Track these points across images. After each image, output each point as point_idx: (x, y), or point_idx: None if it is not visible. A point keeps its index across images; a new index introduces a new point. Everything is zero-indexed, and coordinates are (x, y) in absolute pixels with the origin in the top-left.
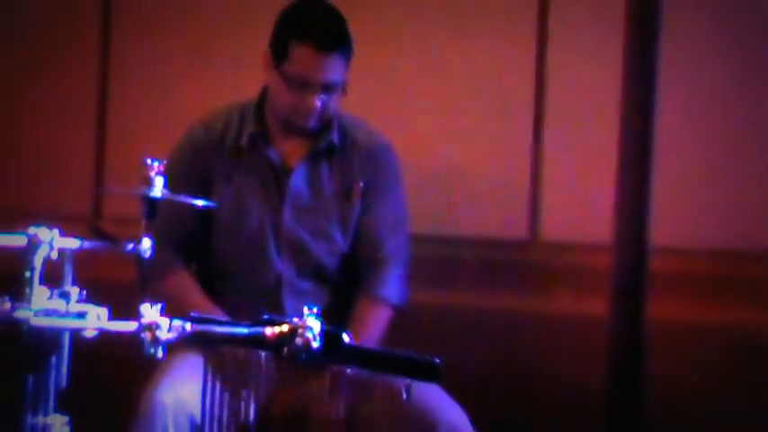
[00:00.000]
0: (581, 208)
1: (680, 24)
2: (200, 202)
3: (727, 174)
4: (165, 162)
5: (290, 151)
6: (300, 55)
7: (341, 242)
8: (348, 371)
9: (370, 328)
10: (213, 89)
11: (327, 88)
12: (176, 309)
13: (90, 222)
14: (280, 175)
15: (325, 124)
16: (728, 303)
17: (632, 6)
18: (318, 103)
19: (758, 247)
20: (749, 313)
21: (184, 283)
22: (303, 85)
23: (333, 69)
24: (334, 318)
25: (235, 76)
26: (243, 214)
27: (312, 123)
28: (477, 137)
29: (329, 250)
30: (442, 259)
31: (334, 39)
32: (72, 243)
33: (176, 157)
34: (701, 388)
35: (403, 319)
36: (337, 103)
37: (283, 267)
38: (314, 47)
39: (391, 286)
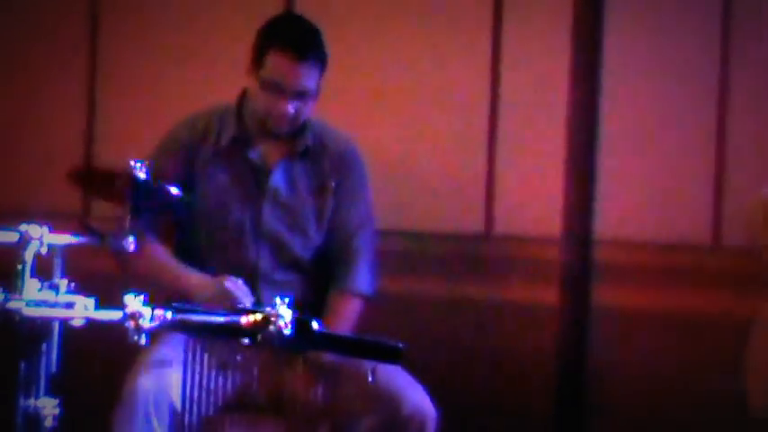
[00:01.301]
0: (533, 203)
1: (623, 27)
2: (180, 193)
3: (667, 171)
4: (149, 161)
5: (269, 152)
6: (276, 62)
7: (315, 236)
8: (319, 355)
9: (344, 318)
10: (200, 91)
11: (301, 94)
12: (145, 273)
13: (79, 219)
14: (259, 174)
15: (301, 128)
16: (668, 291)
17: (578, 12)
18: (291, 109)
19: (694, 238)
20: (687, 300)
21: (157, 251)
22: (278, 91)
23: (306, 77)
24: (308, 307)
25: (221, 78)
26: (224, 210)
27: (285, 127)
28: (436, 136)
29: (304, 244)
30: (405, 252)
31: (308, 48)
32: (61, 239)
33: (160, 150)
34: (644, 369)
35: (370, 307)
36: (310, 109)
37: (261, 260)
38: (288, 55)
39: (361, 278)
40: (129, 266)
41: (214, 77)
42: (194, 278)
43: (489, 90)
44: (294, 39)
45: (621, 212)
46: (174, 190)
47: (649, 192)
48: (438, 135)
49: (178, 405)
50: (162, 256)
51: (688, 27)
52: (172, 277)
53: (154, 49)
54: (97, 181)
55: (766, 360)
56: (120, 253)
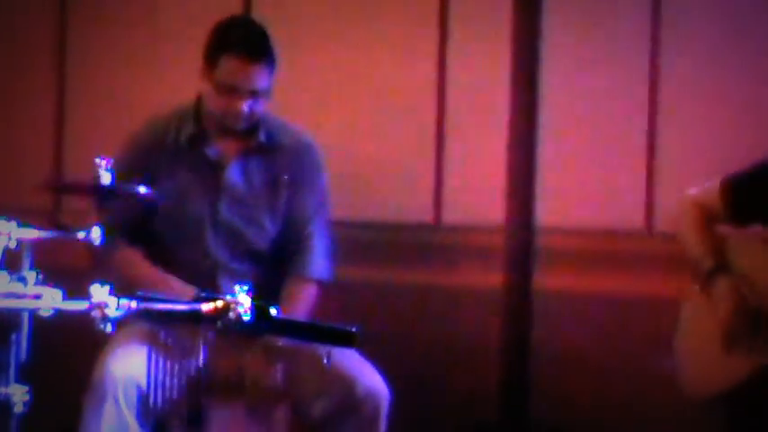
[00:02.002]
0: (478, 193)
1: (560, 29)
2: (143, 189)
3: (603, 163)
4: (113, 160)
5: (225, 149)
6: (229, 65)
7: (270, 228)
8: (276, 340)
9: (300, 304)
10: (167, 89)
11: (254, 94)
12: (126, 280)
13: (49, 215)
14: (217, 169)
15: (255, 125)
16: (605, 275)
17: (517, 16)
18: (246, 108)
19: (628, 225)
20: (622, 283)
21: (130, 257)
22: (232, 92)
23: (259, 78)
24: (266, 294)
25: (188, 76)
26: (184, 205)
27: (241, 125)
28: (386, 132)
29: (260, 235)
30: (360, 241)
31: (260, 50)
32: (29, 233)
33: (122, 156)
34: (583, 348)
35: (326, 295)
36: (264, 107)
37: (219, 251)
38: (241, 57)
39: (316, 265)
40: (102, 263)
41: (180, 76)
42: (176, 286)
43: (436, 89)
44: (245, 42)
45: (561, 202)
46: (137, 189)
47: (587, 182)
48: (389, 131)
49: (145, 389)
50: (135, 262)
51: (620, 27)
52: (150, 284)
53: (122, 49)
54: (66, 190)
55: (694, 341)
56: (91, 248)
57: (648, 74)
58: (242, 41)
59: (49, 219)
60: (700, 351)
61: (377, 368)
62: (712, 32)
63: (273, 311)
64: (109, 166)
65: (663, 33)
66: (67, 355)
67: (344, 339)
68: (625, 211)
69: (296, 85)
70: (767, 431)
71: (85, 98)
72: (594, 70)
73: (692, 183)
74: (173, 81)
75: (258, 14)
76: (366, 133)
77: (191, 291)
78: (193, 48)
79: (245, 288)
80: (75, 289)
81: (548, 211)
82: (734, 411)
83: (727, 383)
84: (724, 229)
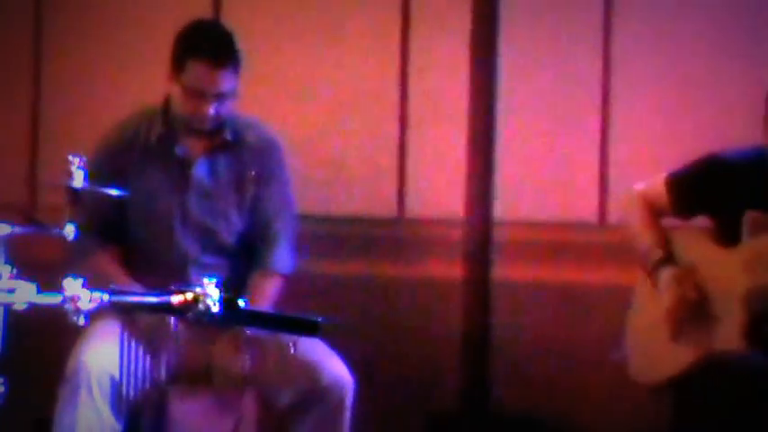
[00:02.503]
0: (440, 189)
1: (516, 34)
2: (114, 192)
3: (558, 159)
4: (86, 159)
5: (193, 147)
6: (196, 70)
7: (238, 222)
8: (245, 330)
9: (265, 295)
10: (140, 88)
11: (220, 96)
12: (98, 282)
13: (23, 211)
14: (185, 167)
15: (221, 124)
16: (560, 266)
17: (476, 21)
18: (212, 110)
19: (582, 217)
20: (576, 273)
21: (104, 261)
22: (199, 95)
23: (224, 81)
24: (234, 286)
25: (158, 78)
26: (154, 202)
27: (208, 126)
28: (352, 131)
29: (228, 230)
30: (326, 235)
31: (225, 55)
32: (3, 229)
33: (95, 157)
34: (540, 335)
35: (295, 287)
36: (230, 107)
37: (189, 245)
38: (207, 62)
39: (281, 259)
40: (75, 259)
41: (154, 74)
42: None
43: (399, 90)
44: (211, 47)
45: (517, 196)
46: (109, 191)
47: (542, 178)
48: (354, 129)
49: (118, 379)
50: (108, 266)
51: (572, 32)
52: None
53: (97, 48)
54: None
55: (643, 329)
56: (65, 244)
57: (601, 80)
58: (208, 47)
59: (24, 214)
60: (648, 339)
61: (342, 357)
62: (662, 22)
63: (241, 303)
64: (81, 165)
65: (613, 43)
66: (42, 347)
67: (309, 329)
68: (579, 204)
69: (263, 83)
70: (711, 416)
71: (61, 96)
72: (549, 68)
73: (644, 176)
74: (148, 79)
75: (226, 14)
76: (332, 130)
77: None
78: (164, 47)
79: (214, 281)
80: (49, 283)
81: (505, 205)
82: (680, 397)
83: (673, 371)
84: (670, 222)
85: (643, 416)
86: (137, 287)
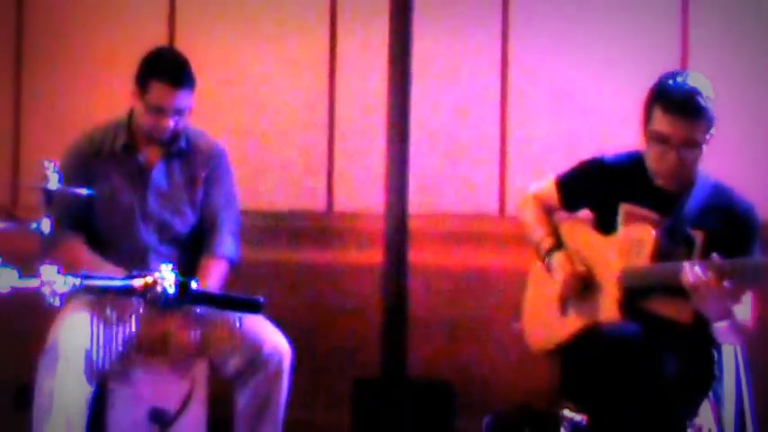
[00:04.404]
0: (363, 186)
1: (426, 36)
2: (83, 191)
3: (462, 158)
4: (58, 163)
5: (151, 154)
6: (157, 91)
7: (191, 217)
8: (197, 309)
9: (212, 277)
10: (107, 104)
11: (178, 112)
12: (71, 267)
13: (5, 209)
14: (144, 171)
15: (176, 134)
16: (466, 253)
17: (393, 25)
18: (171, 124)
19: (485, 209)
20: (480, 259)
21: (75, 246)
22: (160, 112)
23: (182, 99)
24: (187, 271)
25: (126, 94)
26: (118, 200)
27: (166, 138)
28: (287, 135)
29: (182, 223)
30: (265, 227)
31: (182, 77)
32: None
33: (66, 162)
34: (450, 314)
35: (240, 272)
36: (186, 120)
37: (148, 237)
38: (167, 84)
39: (226, 246)
40: (50, 250)
41: (117, 95)
42: (108, 268)
43: (328, 101)
44: (170, 71)
45: (429, 191)
46: (79, 191)
47: (450, 174)
48: (288, 134)
49: (90, 351)
50: (79, 251)
51: (474, 43)
52: (88, 267)
53: (76, 56)
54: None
55: (536, 304)
56: (41, 236)
57: (500, 84)
58: (167, 70)
59: (6, 212)
60: (540, 313)
61: (281, 331)
62: (560, 22)
63: (194, 285)
64: (55, 169)
65: (511, 46)
66: (23, 324)
67: (252, 307)
68: (481, 198)
69: (211, 94)
70: (593, 377)
71: (39, 112)
72: (453, 77)
73: (535, 173)
74: (114, 97)
75: (181, 36)
76: (268, 136)
77: (120, 272)
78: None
79: (170, 266)
80: (28, 269)
81: (418, 200)
82: (567, 361)
83: (561, 339)
84: (559, 215)
85: (538, 377)
86: (107, 266)
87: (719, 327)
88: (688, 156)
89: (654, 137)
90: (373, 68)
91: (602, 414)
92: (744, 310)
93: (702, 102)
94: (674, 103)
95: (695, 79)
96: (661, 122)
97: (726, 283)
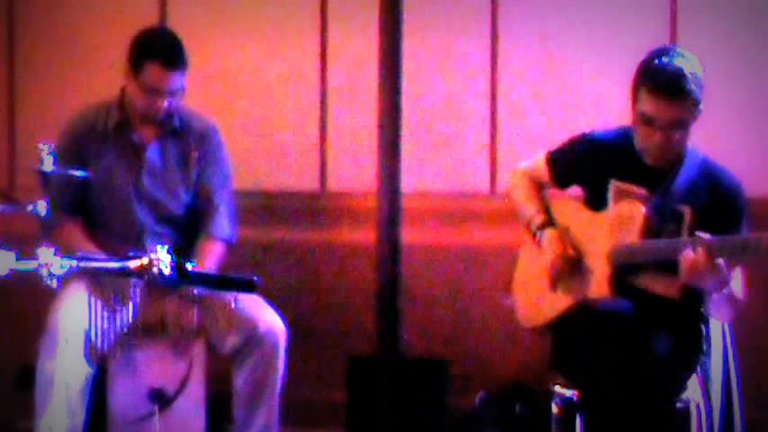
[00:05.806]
0: (355, 166)
1: (416, 30)
2: (78, 173)
3: (454, 139)
4: (53, 143)
5: (145, 134)
6: (151, 72)
7: (185, 197)
8: (192, 289)
9: (209, 258)
10: (100, 86)
11: (172, 93)
12: (67, 250)
13: (2, 192)
14: (139, 151)
15: (169, 114)
16: (458, 230)
17: (383, 19)
18: (165, 104)
19: (476, 188)
20: (471, 236)
21: (72, 231)
22: (154, 92)
23: (175, 80)
24: (183, 252)
25: (117, 75)
26: (113, 180)
27: (160, 117)
28: (280, 118)
29: (177, 203)
30: (260, 207)
31: (176, 58)
32: None
33: (61, 141)
34: (442, 290)
35: (235, 252)
36: (179, 100)
37: (143, 217)
38: (161, 65)
39: (222, 227)
40: (46, 232)
41: (109, 76)
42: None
43: (319, 84)
44: (165, 52)
45: (421, 170)
46: (74, 172)
47: (440, 154)
48: (282, 117)
49: (89, 332)
50: (75, 236)
51: (464, 35)
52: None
53: (68, 45)
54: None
55: (527, 281)
56: (38, 218)
57: (489, 67)
58: (162, 51)
59: (3, 195)
60: (531, 290)
61: (276, 310)
62: (543, 25)
63: (190, 266)
64: (50, 151)
65: (501, 40)
66: (23, 306)
67: (248, 287)
68: (472, 177)
69: (206, 78)
70: (581, 352)
71: (34, 95)
72: (445, 64)
73: (524, 153)
74: (106, 78)
75: (173, 20)
76: (262, 118)
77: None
78: (121, 50)
79: (166, 247)
80: (26, 252)
81: (410, 180)
82: (558, 337)
83: (552, 315)
84: (550, 192)
85: (529, 353)
86: (100, 253)
87: (715, 297)
88: (675, 136)
89: (640, 118)
90: (365, 48)
91: (593, 389)
92: (735, 284)
93: (688, 83)
94: (660, 84)
95: (682, 57)
96: (647, 104)
97: (719, 261)
